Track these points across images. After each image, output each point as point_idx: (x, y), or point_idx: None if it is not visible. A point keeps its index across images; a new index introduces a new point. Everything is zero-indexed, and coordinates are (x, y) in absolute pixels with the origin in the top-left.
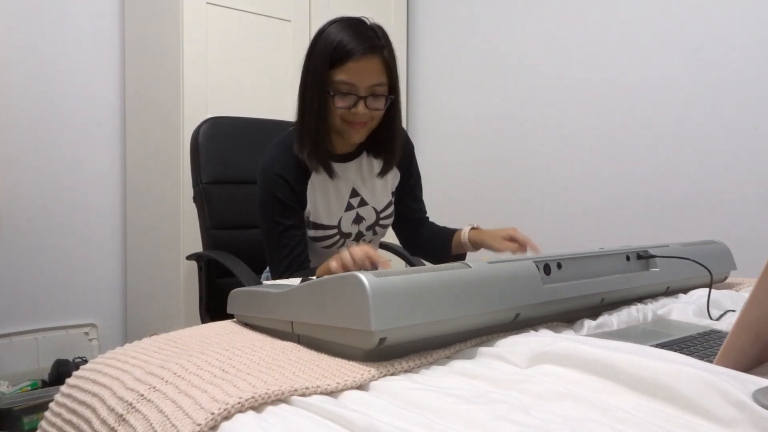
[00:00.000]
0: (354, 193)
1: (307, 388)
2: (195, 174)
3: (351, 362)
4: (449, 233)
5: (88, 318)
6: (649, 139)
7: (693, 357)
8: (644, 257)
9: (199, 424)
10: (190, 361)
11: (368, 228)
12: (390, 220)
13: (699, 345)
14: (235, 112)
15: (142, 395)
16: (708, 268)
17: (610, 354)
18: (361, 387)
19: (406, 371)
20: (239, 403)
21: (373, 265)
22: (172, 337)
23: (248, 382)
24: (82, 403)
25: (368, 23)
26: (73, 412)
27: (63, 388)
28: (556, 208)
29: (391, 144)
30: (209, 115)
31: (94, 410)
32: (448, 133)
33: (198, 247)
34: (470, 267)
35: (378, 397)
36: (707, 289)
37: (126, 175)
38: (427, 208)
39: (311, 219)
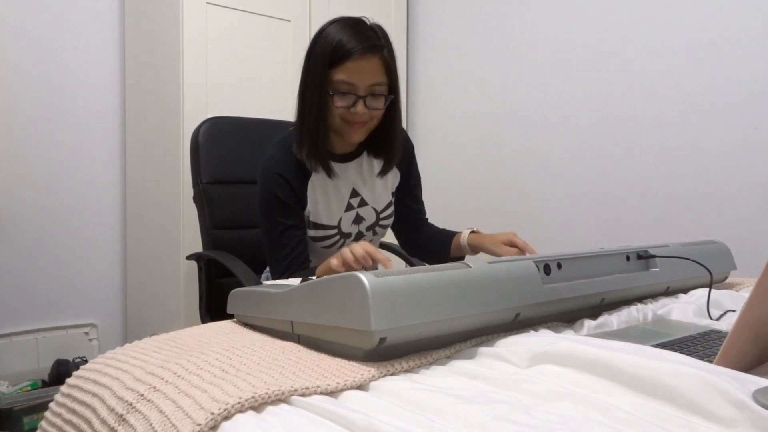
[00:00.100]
0: (354, 193)
1: (307, 388)
2: (195, 174)
3: (351, 362)
4: (449, 235)
5: (88, 318)
6: (649, 138)
7: (693, 357)
8: (644, 257)
9: (199, 424)
10: (190, 361)
11: (368, 228)
12: (390, 221)
13: (699, 345)
14: (235, 112)
15: (142, 395)
16: (708, 268)
17: (610, 354)
18: (361, 387)
19: (406, 371)
20: (239, 403)
21: (374, 262)
22: (172, 337)
23: (248, 382)
24: (82, 403)
25: (368, 23)
26: (73, 412)
27: (63, 388)
28: (556, 208)
29: (391, 144)
30: (209, 115)
31: (94, 410)
32: (448, 133)
33: (198, 247)
34: (470, 267)
35: (378, 397)
36: (707, 289)
37: (126, 176)
38: (427, 208)
39: (311, 219)
